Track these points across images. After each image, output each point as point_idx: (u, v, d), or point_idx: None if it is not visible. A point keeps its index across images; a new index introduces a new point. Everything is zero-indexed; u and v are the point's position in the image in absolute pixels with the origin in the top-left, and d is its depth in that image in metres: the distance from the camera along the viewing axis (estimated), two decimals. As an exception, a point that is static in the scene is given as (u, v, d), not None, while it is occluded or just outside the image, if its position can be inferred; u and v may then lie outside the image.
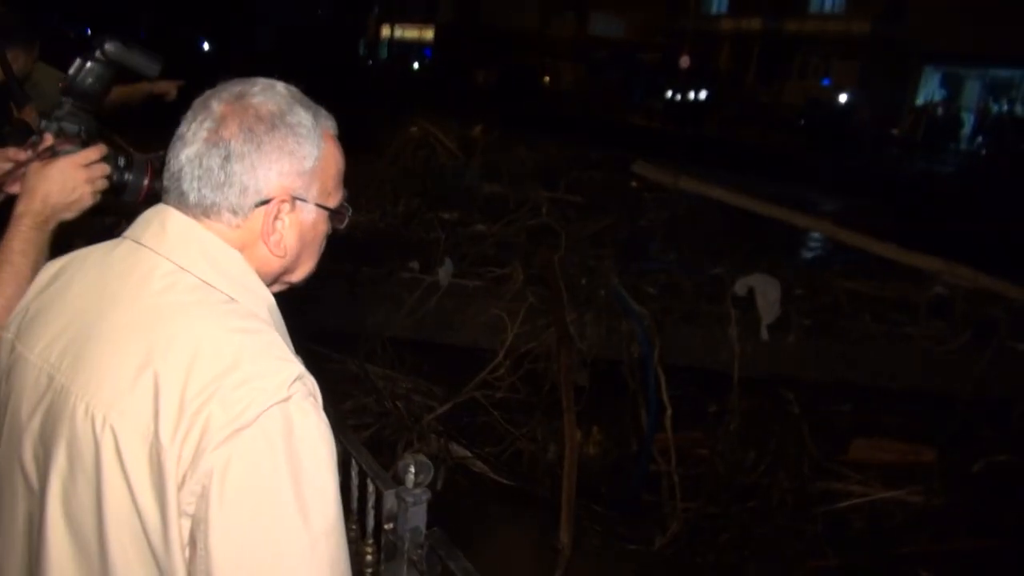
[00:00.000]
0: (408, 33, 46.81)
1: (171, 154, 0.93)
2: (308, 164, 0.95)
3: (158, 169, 1.15)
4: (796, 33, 29.27)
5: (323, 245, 1.05)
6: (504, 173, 5.19)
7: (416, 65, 41.50)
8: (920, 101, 25.17)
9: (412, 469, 1.43)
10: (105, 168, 1.21)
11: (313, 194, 0.97)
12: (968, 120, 22.03)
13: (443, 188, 5.09)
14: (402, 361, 4.60)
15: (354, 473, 1.64)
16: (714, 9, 33.00)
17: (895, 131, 23.09)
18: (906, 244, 4.94)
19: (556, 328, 4.22)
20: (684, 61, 26.51)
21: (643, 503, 4.63)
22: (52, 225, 1.20)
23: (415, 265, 4.53)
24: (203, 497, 0.81)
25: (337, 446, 1.56)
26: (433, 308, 4.42)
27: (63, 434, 0.87)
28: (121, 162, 1.23)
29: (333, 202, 1.01)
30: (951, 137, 21.38)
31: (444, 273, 4.44)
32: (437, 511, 4.37)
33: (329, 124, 1.00)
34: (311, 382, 0.89)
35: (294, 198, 0.96)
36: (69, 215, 1.21)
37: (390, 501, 1.50)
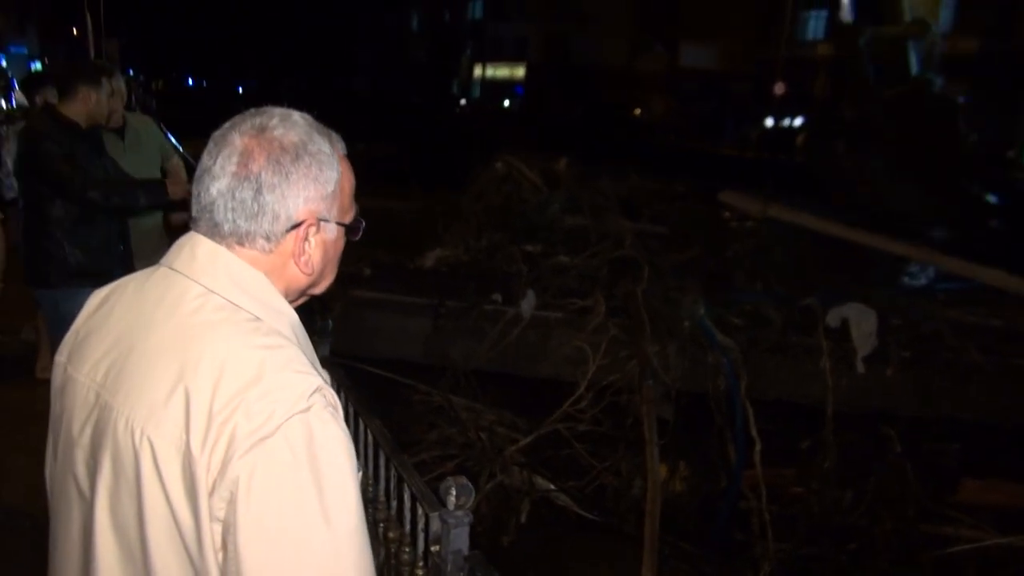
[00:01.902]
0: (500, 72, 47.81)
1: (199, 187, 1.01)
2: (330, 188, 1.03)
3: None
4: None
5: (340, 257, 1.12)
6: (587, 205, 5.19)
7: (507, 103, 42.23)
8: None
9: (453, 492, 1.46)
10: None
11: (334, 213, 1.06)
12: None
13: (526, 221, 5.13)
14: (485, 393, 4.62)
15: (407, 496, 1.67)
16: (809, 35, 32.30)
17: (1010, 154, 21.80)
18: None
19: (639, 360, 4.16)
20: (778, 88, 25.93)
21: (733, 542, 4.47)
22: None
23: (498, 297, 4.57)
24: (231, 503, 0.87)
25: (391, 471, 1.59)
26: (515, 340, 4.43)
27: (108, 447, 0.95)
28: None
29: (349, 218, 1.09)
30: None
31: (526, 305, 4.46)
32: (522, 543, 4.34)
33: (341, 146, 1.08)
34: (330, 394, 0.94)
35: (319, 220, 1.03)
36: None
37: (435, 523, 1.53)
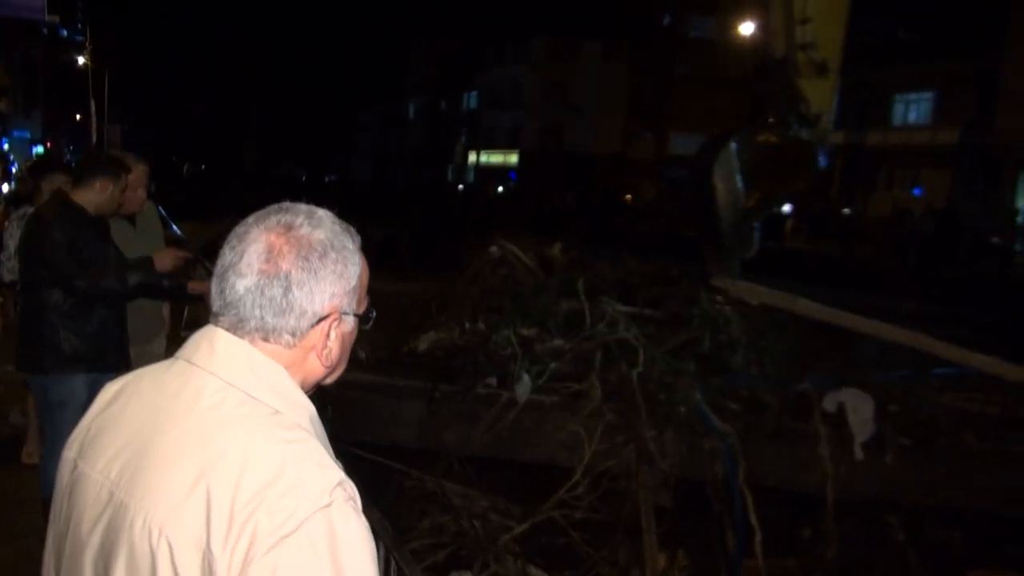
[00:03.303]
0: (494, 158, 48.92)
1: (223, 284, 1.01)
2: (353, 282, 1.06)
3: None
4: (881, 145, 29.09)
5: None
6: (582, 289, 5.23)
7: (500, 188, 43.08)
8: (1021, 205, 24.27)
9: None
10: None
11: (354, 306, 1.07)
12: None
13: (521, 304, 5.15)
14: (480, 479, 4.55)
15: None
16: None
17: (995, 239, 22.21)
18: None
19: (635, 445, 4.11)
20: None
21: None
22: None
23: (492, 381, 4.54)
24: None
25: (393, 564, 1.56)
26: (510, 424, 4.38)
27: (122, 548, 0.92)
28: None
29: (363, 308, 1.10)
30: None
31: (521, 389, 4.43)
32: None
33: (358, 239, 1.09)
34: (351, 486, 0.94)
35: (342, 314, 1.05)
36: None
37: None
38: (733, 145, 5.69)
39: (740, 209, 5.67)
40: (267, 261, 0.99)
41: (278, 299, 0.99)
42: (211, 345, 1.01)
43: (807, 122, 5.80)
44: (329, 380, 1.12)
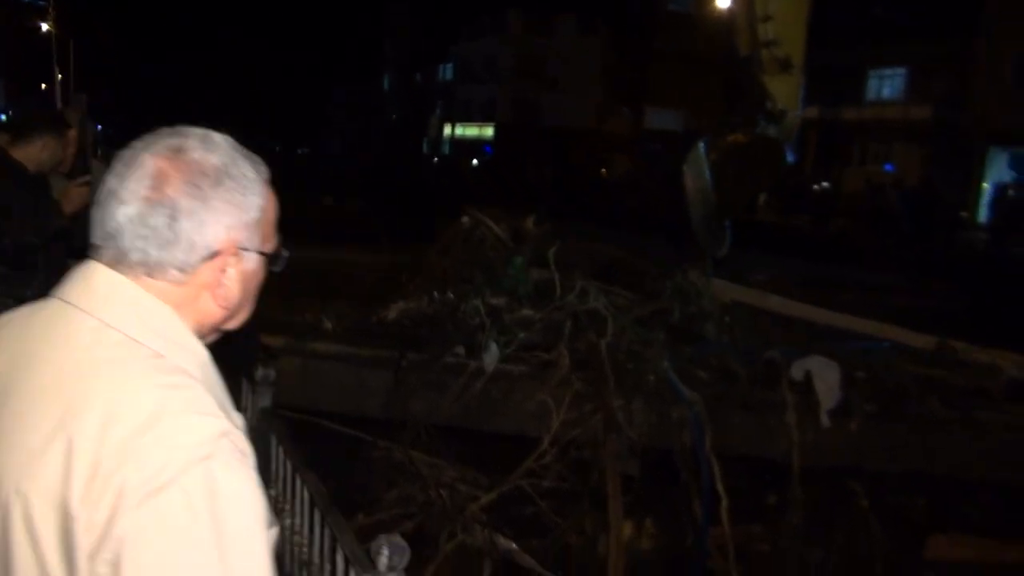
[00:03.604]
0: (469, 132, 48.59)
1: (103, 212, 0.91)
2: (253, 215, 0.95)
3: None
4: (855, 121, 29.28)
5: (259, 290, 1.03)
6: (553, 260, 5.18)
7: (475, 161, 42.85)
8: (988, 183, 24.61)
9: (385, 553, 1.32)
10: None
11: (256, 243, 0.96)
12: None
13: (491, 274, 5.09)
14: (447, 448, 4.51)
15: (339, 559, 1.55)
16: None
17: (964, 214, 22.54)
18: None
19: (603, 414, 4.09)
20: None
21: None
22: None
23: (460, 350, 4.49)
24: (116, 566, 0.75)
25: (325, 528, 1.48)
26: (478, 394, 4.35)
27: None
28: None
29: (271, 247, 1.00)
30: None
31: (489, 358, 4.39)
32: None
33: (265, 171, 0.98)
34: (240, 439, 0.83)
35: (240, 249, 0.94)
36: None
37: None
38: (701, 145, 5.72)
39: (711, 208, 5.68)
40: (151, 187, 0.89)
41: (162, 229, 0.88)
42: (87, 281, 0.90)
43: (773, 119, 5.81)
44: (231, 325, 1.01)
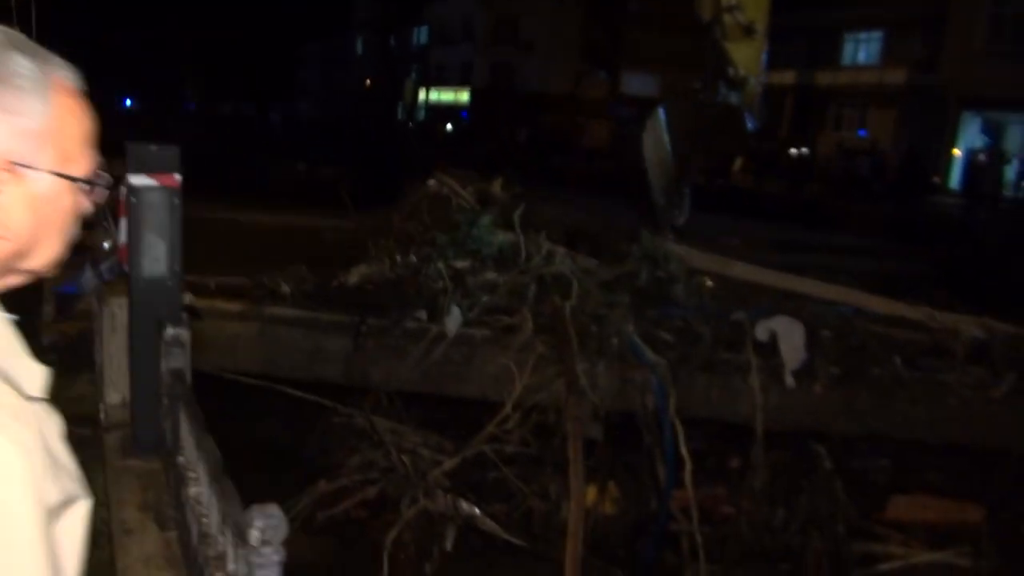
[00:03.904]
0: (444, 96, 47.97)
1: None
2: (34, 123, 0.77)
3: None
4: (830, 85, 29.24)
5: (73, 223, 0.85)
6: (520, 223, 5.08)
7: (450, 127, 42.36)
8: (961, 148, 24.75)
9: (257, 525, 1.20)
10: None
11: (47, 160, 0.79)
12: (1013, 167, 21.47)
13: (455, 237, 4.98)
14: (410, 414, 4.44)
15: (229, 532, 1.43)
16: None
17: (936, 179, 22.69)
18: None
19: (566, 377, 4.03)
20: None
21: (665, 565, 4.36)
22: None
23: (422, 315, 4.40)
24: None
25: (215, 500, 1.33)
26: (440, 359, 4.27)
27: None
28: None
29: (80, 170, 0.83)
30: (997, 184, 20.83)
31: (451, 322, 4.30)
32: (447, 571, 4.13)
33: (65, 75, 0.82)
34: (8, 396, 0.70)
35: (17, 164, 0.77)
36: None
37: (238, 565, 1.29)
38: (661, 111, 5.57)
39: (671, 176, 5.58)
40: None
41: None
42: None
43: (735, 86, 5.67)
44: (33, 264, 0.82)
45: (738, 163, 24.12)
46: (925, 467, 4.62)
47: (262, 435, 5.26)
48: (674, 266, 5.09)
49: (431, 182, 5.80)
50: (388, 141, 30.09)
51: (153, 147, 2.39)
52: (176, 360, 2.03)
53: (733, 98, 5.64)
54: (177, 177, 2.35)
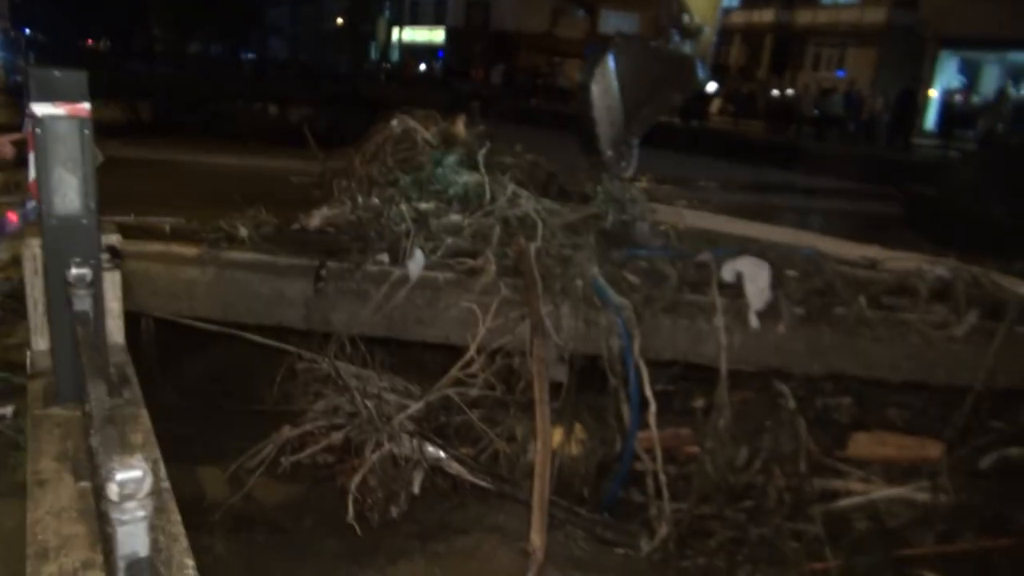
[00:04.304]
0: (419, 36, 46.88)
1: None
2: None
3: None
4: (809, 24, 28.87)
5: None
6: (485, 164, 4.97)
7: (423, 66, 41.49)
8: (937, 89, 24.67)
9: (117, 478, 1.11)
10: None
11: None
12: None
13: (420, 179, 4.86)
14: (374, 359, 4.39)
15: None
16: (725, 3, 32.66)
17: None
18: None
19: (530, 319, 3.99)
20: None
21: (631, 505, 4.40)
22: None
23: (384, 258, 4.31)
24: None
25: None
26: (403, 302, 4.20)
27: None
28: None
29: None
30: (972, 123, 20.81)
31: (414, 265, 4.22)
32: (414, 514, 4.15)
33: None
34: None
35: None
36: None
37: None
38: (610, 57, 5.33)
39: (619, 126, 5.39)
40: None
41: None
42: None
43: (690, 34, 5.47)
44: None
45: (716, 105, 23.92)
46: (886, 405, 4.68)
47: (225, 382, 5.22)
48: (640, 208, 5.03)
49: (394, 122, 5.65)
50: (360, 81, 29.42)
51: (57, 72, 2.20)
52: (82, 303, 1.93)
53: (687, 47, 5.45)
54: (86, 106, 2.19)
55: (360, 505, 4.07)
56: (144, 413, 2.25)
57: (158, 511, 1.54)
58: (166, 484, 1.82)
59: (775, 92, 25.45)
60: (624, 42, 5.49)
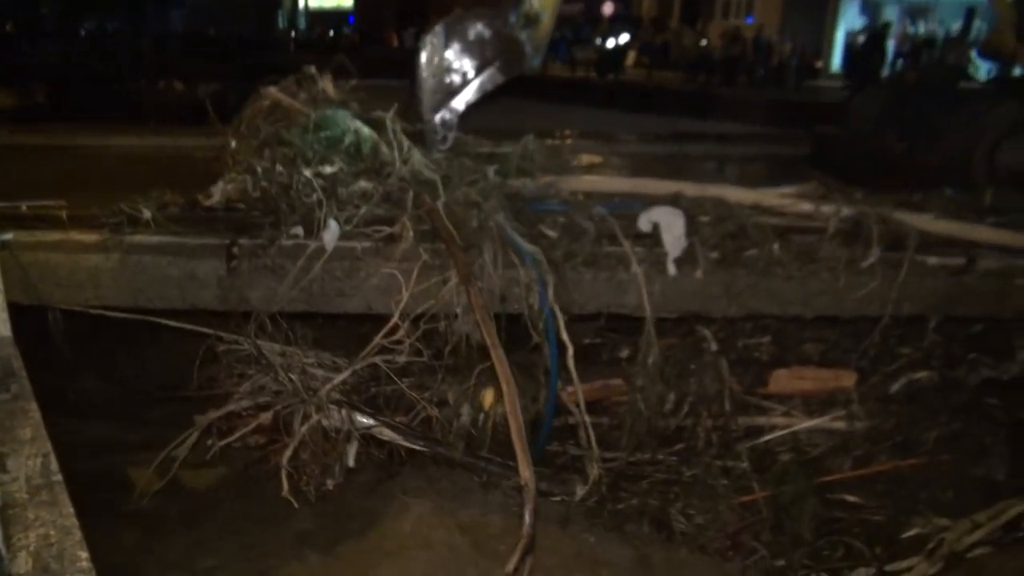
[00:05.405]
0: (327, 2, 45.50)
1: None
2: None
3: None
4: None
5: None
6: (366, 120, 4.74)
7: (332, 32, 40.36)
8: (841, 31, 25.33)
9: None
10: None
11: None
12: (889, 46, 22.11)
13: (310, 147, 4.59)
14: (297, 336, 4.31)
15: None
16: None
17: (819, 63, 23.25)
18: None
19: (457, 270, 3.95)
20: (607, 8, 26.37)
21: (569, 458, 4.49)
22: None
23: (298, 231, 4.20)
24: None
25: None
26: (321, 275, 4.11)
27: None
28: None
29: None
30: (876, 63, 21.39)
31: (329, 236, 4.13)
32: (350, 485, 4.12)
33: None
34: None
35: None
36: None
37: None
38: (441, 28, 5.21)
39: (441, 95, 5.28)
40: None
41: None
42: None
43: (528, 21, 5.38)
44: None
45: (630, 57, 24.04)
46: (802, 340, 4.86)
47: (150, 370, 5.05)
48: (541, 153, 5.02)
49: (265, 102, 5.29)
50: (268, 52, 28.41)
51: None
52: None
53: (522, 34, 5.35)
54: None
55: (296, 481, 4.02)
56: (34, 407, 2.17)
57: (49, 505, 1.52)
58: (58, 478, 1.77)
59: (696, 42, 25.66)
60: (458, 16, 5.34)
